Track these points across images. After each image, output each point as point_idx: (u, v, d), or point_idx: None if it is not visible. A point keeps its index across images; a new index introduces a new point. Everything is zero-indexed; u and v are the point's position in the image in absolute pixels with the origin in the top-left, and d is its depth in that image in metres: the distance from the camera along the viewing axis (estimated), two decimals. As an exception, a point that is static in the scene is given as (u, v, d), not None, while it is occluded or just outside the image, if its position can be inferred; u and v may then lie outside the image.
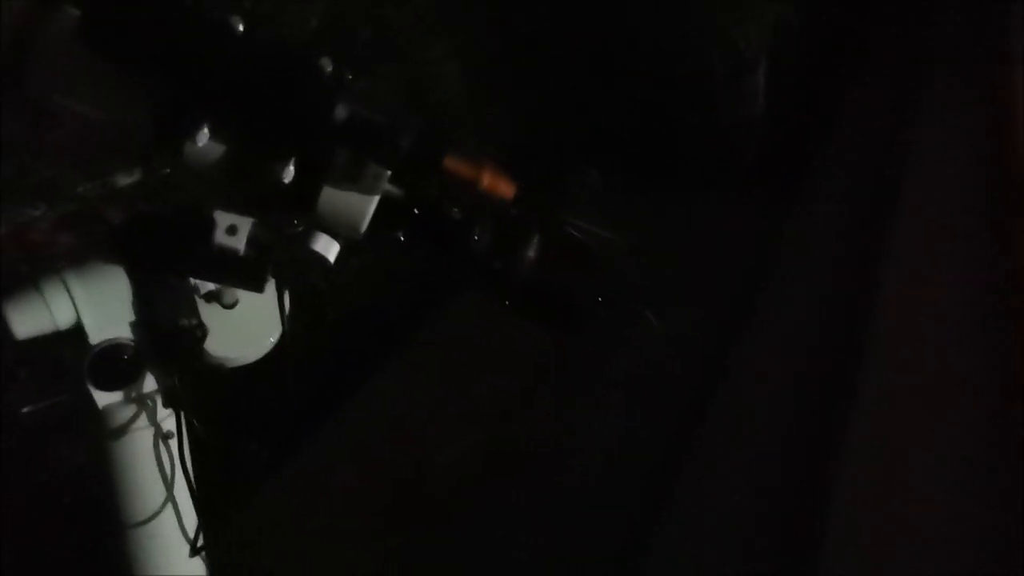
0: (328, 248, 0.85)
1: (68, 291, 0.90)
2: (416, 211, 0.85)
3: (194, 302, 0.95)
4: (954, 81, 3.04)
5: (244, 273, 0.88)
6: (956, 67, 3.07)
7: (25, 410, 0.94)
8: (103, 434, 0.95)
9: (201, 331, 0.94)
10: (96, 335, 0.92)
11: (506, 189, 0.82)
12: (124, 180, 1.94)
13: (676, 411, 2.06)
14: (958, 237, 2.52)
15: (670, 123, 2.86)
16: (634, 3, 2.81)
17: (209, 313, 0.96)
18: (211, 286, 0.96)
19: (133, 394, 0.93)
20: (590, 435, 1.94)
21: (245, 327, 0.98)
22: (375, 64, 2.48)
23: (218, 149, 0.81)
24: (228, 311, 0.98)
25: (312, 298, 1.93)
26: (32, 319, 0.89)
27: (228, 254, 0.85)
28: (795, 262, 2.54)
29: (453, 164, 0.80)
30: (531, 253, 0.88)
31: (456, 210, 0.86)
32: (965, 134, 2.87)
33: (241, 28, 0.75)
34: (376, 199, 0.82)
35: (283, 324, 0.94)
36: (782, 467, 1.88)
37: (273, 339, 0.99)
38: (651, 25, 2.81)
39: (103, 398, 0.92)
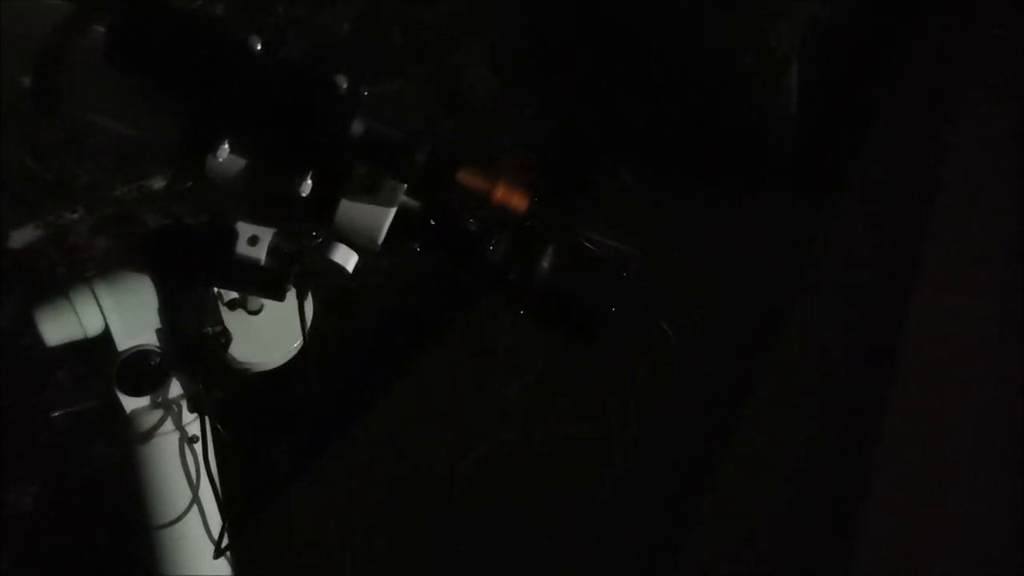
0: (347, 258, 0.87)
1: (97, 299, 0.93)
2: (432, 222, 0.86)
3: (218, 309, 0.97)
4: (993, 80, 3.00)
5: (265, 282, 0.90)
6: (994, 66, 3.02)
7: (56, 414, 0.97)
8: (130, 438, 0.98)
9: (225, 337, 0.97)
10: (124, 342, 0.94)
11: (520, 202, 0.83)
12: (159, 183, 1.98)
13: (701, 418, 2.05)
14: (996, 238, 2.49)
15: (702, 122, 2.85)
16: (666, 3, 2.81)
17: (233, 320, 0.98)
18: (235, 294, 0.99)
19: (159, 399, 0.96)
20: (612, 442, 1.95)
21: (268, 333, 1.00)
22: (406, 66, 2.51)
23: (239, 163, 0.83)
24: (252, 317, 1.00)
25: (337, 302, 1.95)
26: (62, 326, 0.92)
27: (250, 264, 0.88)
28: (829, 263, 2.53)
29: (467, 177, 0.81)
30: (546, 263, 0.89)
31: (472, 221, 0.88)
32: (1004, 134, 2.83)
33: (259, 47, 0.77)
34: (393, 211, 0.84)
35: (303, 333, 0.96)
36: (810, 477, 1.87)
37: (296, 345, 1.01)
38: (683, 24, 2.80)
39: (131, 403, 0.95)
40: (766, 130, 2.88)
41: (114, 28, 0.76)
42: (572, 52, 2.87)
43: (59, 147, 1.97)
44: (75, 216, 1.94)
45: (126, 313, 0.94)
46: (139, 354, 0.94)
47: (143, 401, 0.95)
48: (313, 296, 0.97)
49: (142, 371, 0.95)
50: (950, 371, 2.02)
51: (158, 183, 1.99)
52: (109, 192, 1.97)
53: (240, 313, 0.99)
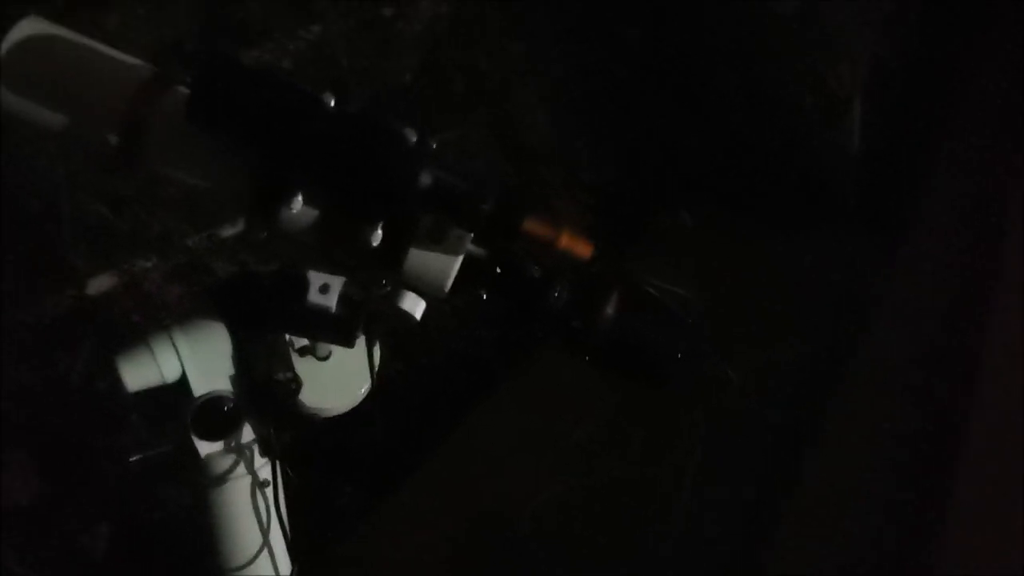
0: (415, 306, 0.89)
1: (175, 346, 0.96)
2: (498, 270, 0.88)
3: (289, 356, 1.00)
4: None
5: (336, 329, 0.93)
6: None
7: (134, 458, 1.00)
8: (204, 482, 1.00)
9: (296, 383, 0.99)
10: (199, 387, 0.97)
11: (584, 249, 0.85)
12: (228, 232, 2.04)
13: (766, 461, 2.03)
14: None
15: (763, 163, 2.84)
16: (725, 44, 2.82)
17: (303, 366, 1.01)
18: (306, 340, 1.01)
19: (232, 444, 0.98)
20: (678, 486, 1.93)
21: (338, 379, 1.02)
22: (467, 112, 2.55)
23: (311, 214, 0.86)
24: (321, 363, 1.02)
25: (403, 347, 1.98)
26: (143, 372, 0.95)
27: (321, 312, 0.90)
28: (893, 304, 2.49)
29: (533, 225, 0.83)
30: (609, 310, 0.90)
31: (536, 269, 0.89)
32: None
33: (333, 103, 0.80)
34: (460, 259, 0.86)
35: (372, 379, 0.98)
36: (881, 522, 1.83)
37: (364, 390, 1.03)
38: (743, 64, 2.81)
39: (205, 447, 0.97)
40: (828, 170, 2.86)
41: (195, 89, 0.80)
42: (631, 94, 2.89)
43: (133, 198, 2.04)
44: (149, 264, 2.01)
45: (202, 360, 0.97)
46: (214, 400, 0.97)
47: (217, 446, 0.98)
48: (380, 342, 0.99)
49: (216, 416, 0.97)
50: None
51: (227, 232, 2.05)
52: (181, 241, 2.03)
53: (310, 359, 1.02)
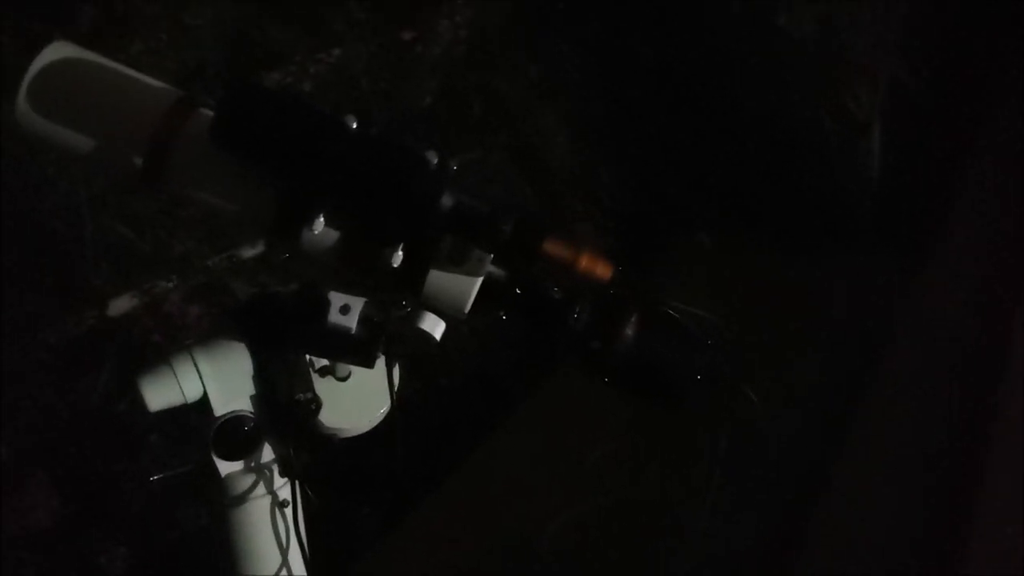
0: (434, 327, 0.90)
1: (196, 366, 0.97)
2: (517, 291, 0.88)
3: (309, 376, 1.00)
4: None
5: (355, 350, 0.93)
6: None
7: (154, 478, 1.01)
8: (224, 501, 1.00)
9: (315, 404, 1.00)
10: (220, 407, 0.98)
11: (604, 270, 0.85)
12: (248, 253, 2.05)
13: (787, 483, 2.01)
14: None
15: (782, 185, 2.84)
16: (743, 66, 2.83)
17: (323, 386, 1.01)
18: (326, 360, 1.02)
19: (252, 463, 0.99)
20: (697, 508, 1.92)
21: (357, 399, 1.03)
22: (486, 135, 2.56)
23: (332, 235, 0.86)
24: (341, 384, 1.03)
25: (422, 368, 1.98)
26: (164, 392, 0.96)
27: (341, 332, 0.91)
28: (914, 327, 2.47)
29: (552, 247, 0.83)
30: (629, 331, 0.90)
31: (556, 290, 0.89)
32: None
33: (354, 125, 0.80)
34: (480, 280, 0.86)
35: (392, 399, 0.99)
36: (901, 546, 1.81)
37: (384, 410, 1.03)
38: (761, 87, 2.81)
39: (225, 467, 0.98)
40: (848, 192, 2.85)
41: (219, 112, 0.81)
42: (649, 115, 2.90)
43: (154, 219, 2.06)
44: (170, 285, 2.02)
45: (222, 380, 0.98)
46: (234, 419, 0.98)
47: (237, 465, 0.98)
48: (400, 363, 0.99)
49: (236, 436, 0.98)
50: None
51: (248, 253, 2.06)
52: (201, 262, 2.05)
53: (330, 379, 1.02)
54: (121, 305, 2.00)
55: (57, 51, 0.88)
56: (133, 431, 1.82)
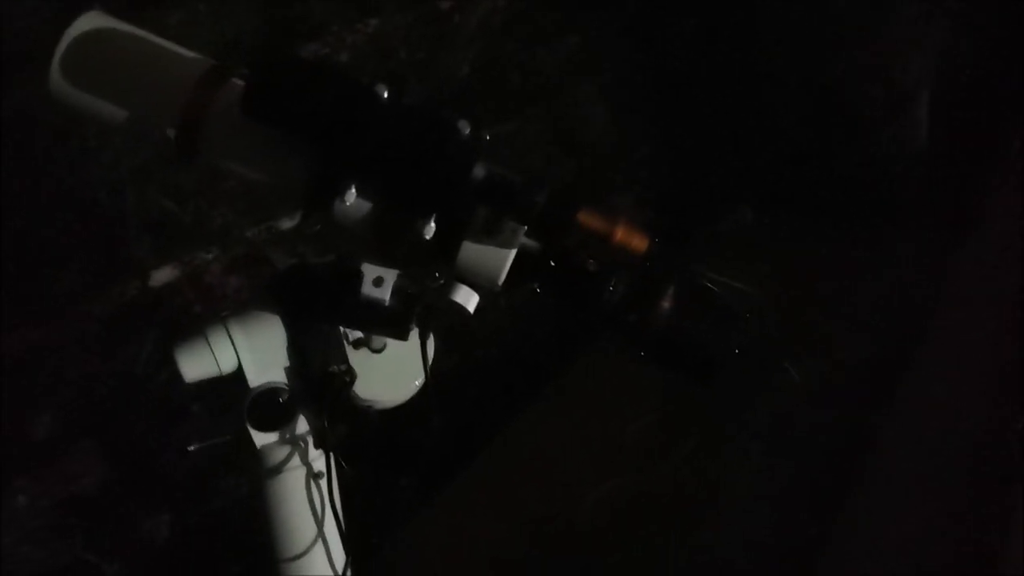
0: (468, 299, 0.89)
1: (231, 338, 0.97)
2: (552, 263, 0.87)
3: (344, 348, 1.00)
4: None
5: (389, 322, 0.93)
6: None
7: (192, 447, 1.02)
8: (260, 472, 1.01)
9: (350, 376, 1.00)
10: (255, 379, 0.98)
11: (640, 243, 0.83)
12: (287, 224, 2.06)
13: (824, 459, 1.98)
14: None
15: (827, 157, 2.78)
16: (786, 36, 2.77)
17: (358, 358, 1.01)
18: (360, 333, 1.02)
19: (287, 435, 0.99)
20: (735, 483, 1.90)
21: (392, 371, 1.03)
22: (523, 106, 2.54)
23: (365, 207, 0.86)
24: (375, 356, 1.03)
25: (456, 341, 1.98)
26: (199, 363, 0.96)
27: (375, 304, 0.90)
28: (958, 305, 2.42)
29: (587, 218, 0.82)
30: (666, 305, 0.89)
31: (591, 263, 0.88)
32: None
33: (385, 94, 0.79)
34: (513, 252, 0.85)
35: (426, 372, 0.98)
36: (940, 522, 1.78)
37: (419, 383, 1.03)
38: (805, 57, 2.76)
39: (260, 438, 0.98)
40: (895, 164, 2.79)
41: (250, 82, 0.80)
42: (690, 90, 2.86)
43: (195, 191, 2.07)
44: (210, 256, 2.04)
45: (257, 351, 0.98)
46: (269, 391, 0.98)
47: (272, 437, 0.99)
48: (434, 335, 0.99)
49: (271, 408, 0.98)
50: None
51: (285, 224, 2.07)
52: (241, 233, 2.06)
53: (364, 352, 1.02)
54: (162, 276, 2.02)
55: (90, 21, 0.87)
56: (175, 400, 1.84)
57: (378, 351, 1.02)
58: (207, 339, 0.96)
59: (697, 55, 2.82)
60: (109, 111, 0.88)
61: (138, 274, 2.00)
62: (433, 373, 0.99)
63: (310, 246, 1.99)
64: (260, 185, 0.92)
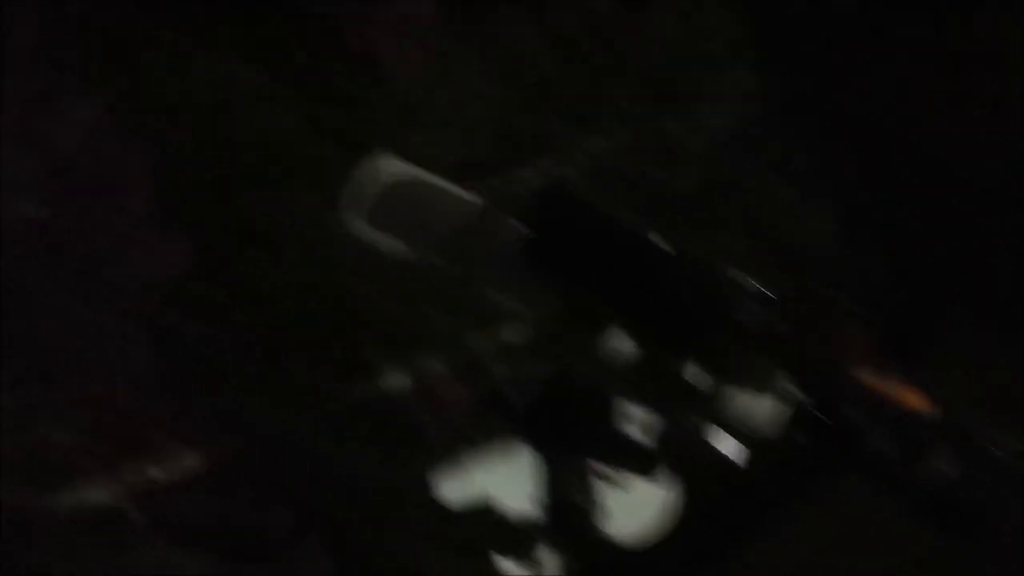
0: (727, 447, 0.88)
1: (481, 462, 1.00)
2: (817, 414, 0.85)
3: (591, 481, 1.00)
4: None
5: (641, 462, 0.93)
6: None
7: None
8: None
9: (595, 509, 1.00)
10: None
11: (914, 400, 0.80)
12: (512, 336, 2.10)
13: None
14: None
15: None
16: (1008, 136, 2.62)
17: (603, 491, 1.01)
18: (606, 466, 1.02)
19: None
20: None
21: (635, 508, 1.02)
22: (753, 228, 2.51)
23: (627, 344, 0.87)
24: (620, 492, 1.02)
25: (709, 482, 1.93)
26: (457, 488, 0.99)
27: (628, 442, 0.91)
28: None
29: (863, 375, 0.80)
30: (936, 459, 0.84)
31: (856, 413, 0.85)
32: None
33: (662, 244, 0.81)
34: (775, 401, 0.84)
35: (672, 515, 0.97)
36: None
37: (663, 522, 1.01)
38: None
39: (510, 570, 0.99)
40: None
41: (534, 230, 0.84)
42: (917, 201, 2.75)
43: (426, 296, 2.14)
44: (437, 365, 2.10)
45: (503, 477, 1.00)
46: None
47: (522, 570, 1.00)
48: (684, 477, 0.98)
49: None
50: None
51: (509, 335, 2.10)
52: (467, 342, 2.11)
53: (609, 486, 1.02)
54: (390, 382, 2.09)
55: (386, 166, 0.94)
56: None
57: (623, 487, 1.02)
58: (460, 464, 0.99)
59: (926, 164, 2.72)
60: (390, 245, 0.94)
61: (366, 375, 2.07)
62: (680, 513, 0.98)
63: (539, 362, 2.01)
64: (516, 312, 0.95)
